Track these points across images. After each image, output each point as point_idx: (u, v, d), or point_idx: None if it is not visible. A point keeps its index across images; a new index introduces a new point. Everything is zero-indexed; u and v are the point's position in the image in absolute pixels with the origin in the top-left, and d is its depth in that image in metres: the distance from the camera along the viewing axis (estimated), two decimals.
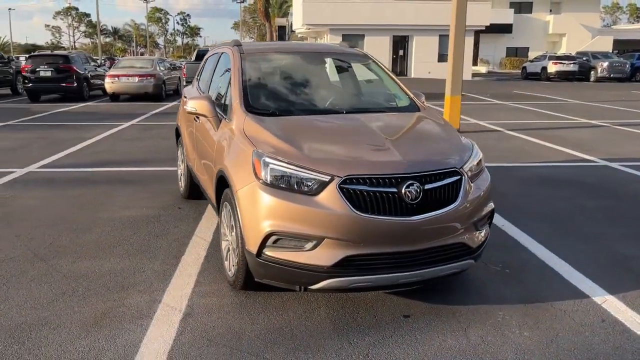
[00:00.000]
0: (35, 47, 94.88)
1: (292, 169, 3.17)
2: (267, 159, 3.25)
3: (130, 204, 5.82)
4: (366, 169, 3.16)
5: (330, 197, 3.08)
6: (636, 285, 3.87)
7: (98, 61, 24.43)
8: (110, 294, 3.65)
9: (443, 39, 32.97)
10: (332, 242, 3.09)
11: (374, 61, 4.81)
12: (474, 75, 35.70)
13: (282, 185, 3.16)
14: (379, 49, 32.74)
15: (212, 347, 3.00)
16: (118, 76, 18.15)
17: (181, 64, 25.46)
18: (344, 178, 3.10)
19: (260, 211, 3.17)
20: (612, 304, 3.57)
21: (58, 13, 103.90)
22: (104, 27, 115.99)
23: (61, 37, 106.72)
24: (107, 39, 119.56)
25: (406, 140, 3.70)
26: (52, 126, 12.18)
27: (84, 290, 3.70)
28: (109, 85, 18.13)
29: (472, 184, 3.45)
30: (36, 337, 3.08)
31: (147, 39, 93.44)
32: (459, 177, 3.35)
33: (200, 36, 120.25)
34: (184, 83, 18.66)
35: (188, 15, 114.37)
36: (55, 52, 23.16)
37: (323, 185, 3.10)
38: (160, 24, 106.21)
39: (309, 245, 3.11)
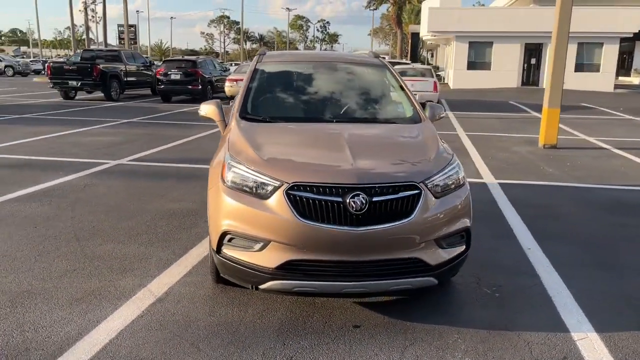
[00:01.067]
0: (193, 52, 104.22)
1: (250, 174, 3.33)
2: (232, 163, 3.46)
3: (182, 197, 6.34)
4: (313, 177, 3.23)
5: (277, 202, 3.21)
6: (633, 326, 3.46)
7: (225, 66, 26.21)
8: (110, 275, 4.09)
9: (583, 46, 30.61)
10: (278, 246, 3.21)
11: (390, 72, 4.80)
12: (620, 86, 32.61)
13: (240, 188, 3.35)
14: (509, 57, 31.27)
15: (159, 332, 3.27)
16: (236, 80, 19.40)
17: None
18: (291, 184, 3.20)
19: (220, 211, 3.38)
20: (590, 343, 3.25)
21: (212, 21, 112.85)
22: (252, 34, 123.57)
23: (213, 43, 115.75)
24: (254, 45, 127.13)
25: (371, 152, 3.68)
26: (165, 124, 13.44)
27: (92, 269, 4.19)
28: (228, 88, 19.47)
29: (437, 200, 3.35)
30: (28, 304, 3.58)
31: (287, 45, 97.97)
32: (418, 191, 3.28)
33: (339, 43, 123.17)
34: None
35: (327, 22, 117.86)
36: (185, 57, 25.33)
37: (274, 190, 3.23)
38: (302, 31, 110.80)
39: (258, 246, 3.26)
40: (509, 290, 3.97)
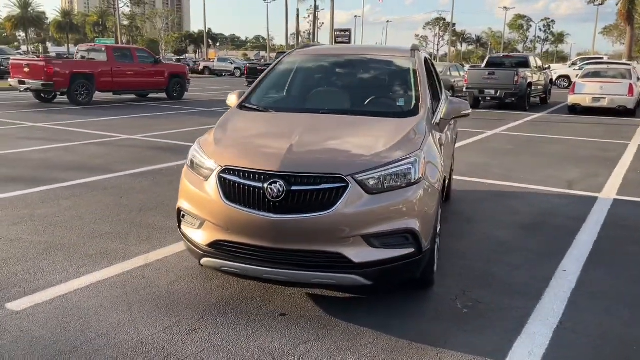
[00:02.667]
0: None
1: (200, 156, 3.58)
2: (194, 146, 3.74)
3: None
4: (242, 162, 3.32)
5: (211, 184, 3.39)
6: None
7: None
8: (132, 241, 4.67)
9: None
10: (210, 225, 3.40)
11: (413, 65, 4.52)
12: None
13: (194, 169, 3.61)
14: None
15: (115, 290, 3.69)
16: None
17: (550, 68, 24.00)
18: (223, 168, 3.36)
19: (180, 190, 3.70)
20: None
21: (428, 24, 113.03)
22: (468, 35, 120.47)
23: (427, 46, 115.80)
24: (470, 47, 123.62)
25: (319, 142, 3.57)
26: None
27: (124, 235, 4.82)
28: None
29: (370, 195, 3.17)
30: (51, 254, 4.31)
31: (502, 46, 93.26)
32: (344, 184, 3.15)
33: (565, 43, 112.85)
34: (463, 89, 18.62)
35: (552, 21, 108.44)
36: None
37: (211, 172, 3.42)
38: (522, 31, 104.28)
39: (197, 224, 3.49)
40: (485, 309, 3.52)
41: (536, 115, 16.62)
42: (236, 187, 3.27)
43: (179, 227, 3.71)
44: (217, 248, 3.38)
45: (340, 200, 3.13)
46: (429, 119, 4.03)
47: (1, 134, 10.73)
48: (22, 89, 16.74)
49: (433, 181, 3.48)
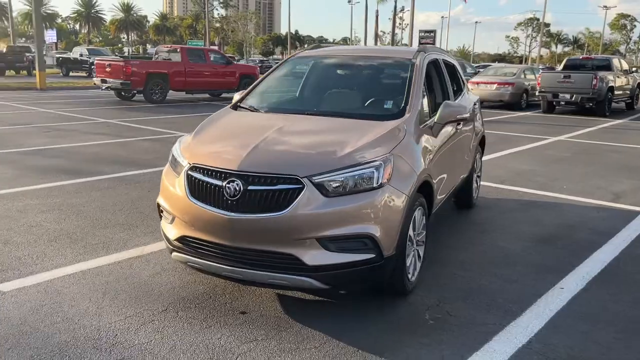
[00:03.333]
0: (501, 57, 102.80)
1: (176, 153, 3.69)
2: (176, 143, 3.86)
3: None
4: (207, 160, 3.39)
5: (180, 180, 3.49)
6: None
7: (477, 69, 25.30)
8: (139, 232, 4.89)
9: None
10: (179, 221, 3.50)
11: (412, 67, 4.36)
12: None
13: (171, 166, 3.73)
14: None
15: (98, 278, 3.88)
16: (478, 83, 18.77)
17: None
18: (191, 165, 3.44)
19: (160, 185, 3.83)
20: None
21: (519, 24, 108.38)
22: (564, 36, 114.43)
23: (518, 47, 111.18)
24: (566, 48, 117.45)
25: (285, 143, 3.54)
26: None
27: (133, 227, 5.06)
28: None
29: (327, 198, 3.13)
30: (58, 242, 4.60)
31: (600, 48, 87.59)
32: (300, 186, 3.13)
33: None
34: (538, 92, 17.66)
35: None
36: None
37: (181, 169, 3.52)
38: (624, 32, 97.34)
39: (170, 219, 3.60)
40: (454, 322, 3.36)
41: (615, 121, 15.49)
42: (200, 185, 3.35)
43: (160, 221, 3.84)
44: (184, 243, 3.47)
45: (295, 202, 3.11)
46: (417, 122, 3.90)
47: (72, 128, 11.56)
48: (103, 87, 17.94)
49: (402, 186, 3.37)
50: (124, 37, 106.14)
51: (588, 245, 4.84)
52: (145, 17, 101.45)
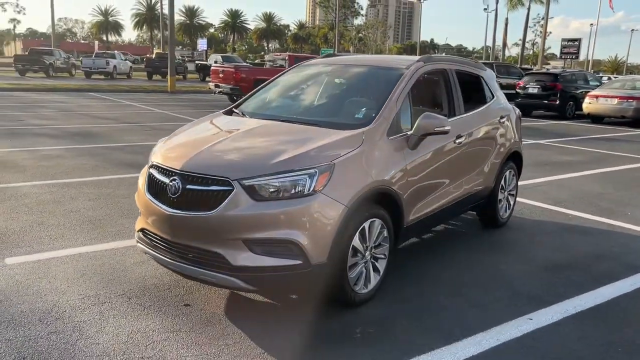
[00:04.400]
0: None
1: (151, 153, 3.99)
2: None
3: None
4: (162, 159, 3.62)
5: (143, 177, 3.79)
6: None
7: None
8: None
9: None
10: (141, 214, 3.80)
11: (402, 77, 4.24)
12: None
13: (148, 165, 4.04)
14: None
15: (86, 261, 4.29)
16: (597, 97, 17.22)
17: None
18: (151, 164, 3.72)
19: None
20: None
21: None
22: None
23: None
24: None
25: (233, 146, 3.65)
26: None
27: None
28: (586, 105, 17.49)
29: (255, 202, 3.21)
30: (84, 227, 5.17)
31: None
32: (230, 188, 3.25)
33: None
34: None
35: None
36: (549, 70, 23.47)
37: (147, 167, 3.81)
38: None
39: (139, 213, 3.91)
40: (380, 338, 3.26)
41: None
42: (154, 182, 3.61)
43: None
44: (144, 235, 3.75)
45: (224, 203, 3.23)
46: (385, 133, 3.82)
47: (171, 128, 12.57)
48: (216, 92, 19.28)
49: (340, 196, 3.33)
50: (267, 46, 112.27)
51: (602, 277, 4.35)
52: (287, 26, 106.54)
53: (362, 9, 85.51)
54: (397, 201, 3.82)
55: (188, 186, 3.35)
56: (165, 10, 31.23)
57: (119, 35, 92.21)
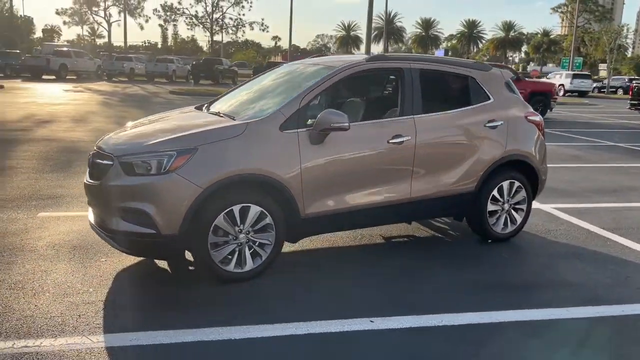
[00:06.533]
0: None
1: None
2: None
3: None
4: (98, 142, 4.42)
5: None
6: None
7: None
8: None
9: None
10: None
11: (322, 78, 4.35)
12: None
13: None
14: None
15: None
16: None
17: None
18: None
19: None
20: None
21: None
22: None
23: None
24: None
25: (141, 131, 4.28)
26: None
27: None
28: None
29: (127, 176, 3.81)
30: None
31: None
32: (111, 163, 3.90)
33: None
34: None
35: None
36: None
37: None
38: None
39: None
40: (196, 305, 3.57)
41: None
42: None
43: None
44: None
45: (106, 175, 3.92)
46: (276, 125, 4.04)
47: None
48: None
49: (196, 178, 3.71)
50: (512, 55, 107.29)
51: (526, 302, 3.81)
52: (525, 34, 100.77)
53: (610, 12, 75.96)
54: (283, 191, 4.00)
55: (96, 160, 4.10)
56: (401, 24, 32.44)
57: (357, 48, 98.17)
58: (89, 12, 55.47)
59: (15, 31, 61.56)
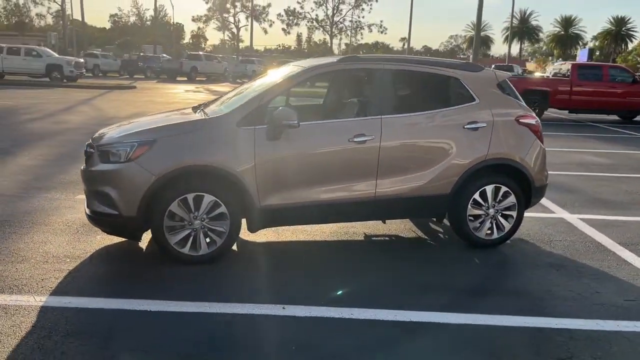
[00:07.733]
0: None
1: None
2: None
3: None
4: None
5: None
6: None
7: None
8: None
9: None
10: None
11: (287, 78, 4.58)
12: None
13: None
14: None
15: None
16: None
17: None
18: None
19: None
20: None
21: None
22: None
23: None
24: None
25: (128, 126, 4.74)
26: None
27: None
28: None
29: (101, 162, 4.36)
30: None
31: None
32: (93, 151, 4.50)
33: None
34: None
35: None
36: None
37: None
38: None
39: None
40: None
41: None
42: None
43: None
44: None
45: (90, 161, 4.52)
46: (233, 122, 4.37)
47: None
48: None
49: (152, 167, 4.16)
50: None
51: (446, 306, 3.75)
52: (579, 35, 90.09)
53: None
54: (237, 183, 4.31)
55: (88, 149, 4.72)
56: (537, 22, 30.93)
57: (488, 48, 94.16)
58: (220, 17, 59.79)
59: (168, 38, 68.50)
